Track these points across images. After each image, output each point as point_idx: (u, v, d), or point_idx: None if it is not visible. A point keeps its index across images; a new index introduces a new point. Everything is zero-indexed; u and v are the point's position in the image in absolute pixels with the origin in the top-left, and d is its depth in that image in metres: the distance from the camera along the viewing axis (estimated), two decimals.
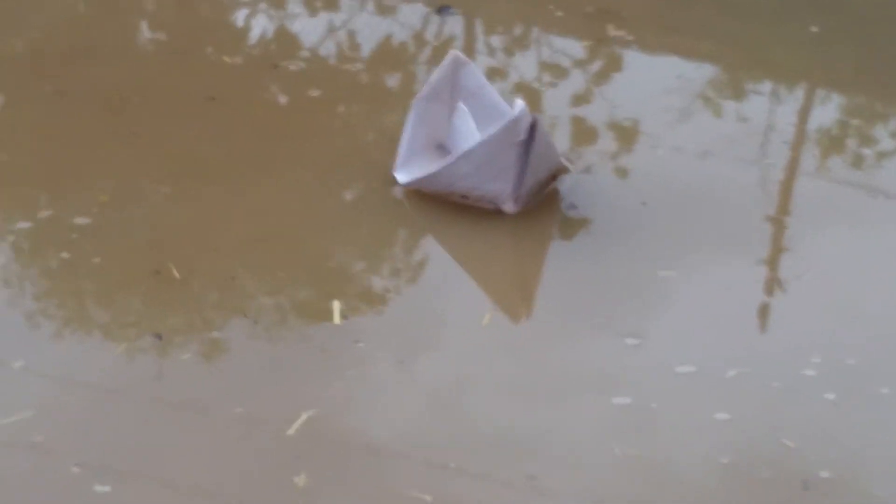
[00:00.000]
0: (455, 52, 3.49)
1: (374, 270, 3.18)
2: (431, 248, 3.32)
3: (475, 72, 3.48)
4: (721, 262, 3.17)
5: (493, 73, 3.98)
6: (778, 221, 3.37)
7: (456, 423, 2.70)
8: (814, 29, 4.16)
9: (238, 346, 2.88)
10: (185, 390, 2.75)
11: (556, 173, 3.39)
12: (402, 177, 3.40)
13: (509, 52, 4.13)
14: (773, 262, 3.23)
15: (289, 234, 3.24)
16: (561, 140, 3.62)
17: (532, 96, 3.86)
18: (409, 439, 2.65)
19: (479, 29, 4.27)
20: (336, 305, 3.02)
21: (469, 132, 3.33)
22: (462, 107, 3.38)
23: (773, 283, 3.16)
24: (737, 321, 3.00)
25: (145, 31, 4.17)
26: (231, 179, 3.39)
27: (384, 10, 4.32)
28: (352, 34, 4.17)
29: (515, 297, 3.15)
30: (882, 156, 3.65)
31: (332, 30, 4.18)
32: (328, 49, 4.08)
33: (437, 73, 3.46)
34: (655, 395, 2.76)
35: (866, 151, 3.67)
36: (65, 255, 3.11)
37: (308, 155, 3.54)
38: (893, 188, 3.49)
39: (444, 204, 3.34)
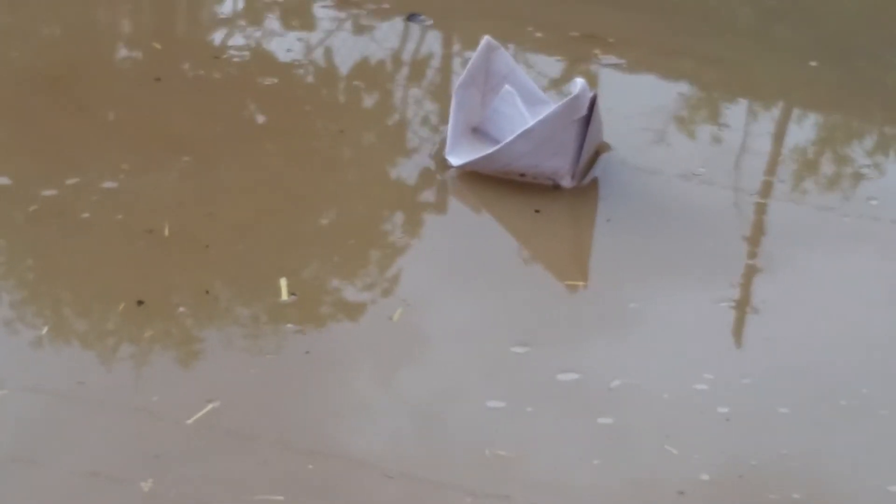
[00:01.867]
0: (487, 38, 3.62)
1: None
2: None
3: (505, 56, 3.63)
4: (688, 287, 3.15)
5: None
6: (752, 241, 3.35)
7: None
8: (793, 51, 4.15)
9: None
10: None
11: (600, 150, 3.54)
12: (455, 160, 3.49)
13: None
14: (745, 284, 3.21)
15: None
16: None
17: None
18: None
19: (456, 47, 4.25)
20: (283, 282, 3.01)
21: (518, 113, 3.48)
22: (509, 88, 3.53)
23: (739, 303, 3.13)
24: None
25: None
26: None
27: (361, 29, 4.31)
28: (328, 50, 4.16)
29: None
30: (857, 177, 3.63)
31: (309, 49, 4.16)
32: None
33: (472, 60, 3.59)
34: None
35: (844, 171, 3.66)
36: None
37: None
38: (867, 209, 3.48)
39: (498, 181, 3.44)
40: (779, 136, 3.79)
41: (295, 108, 3.80)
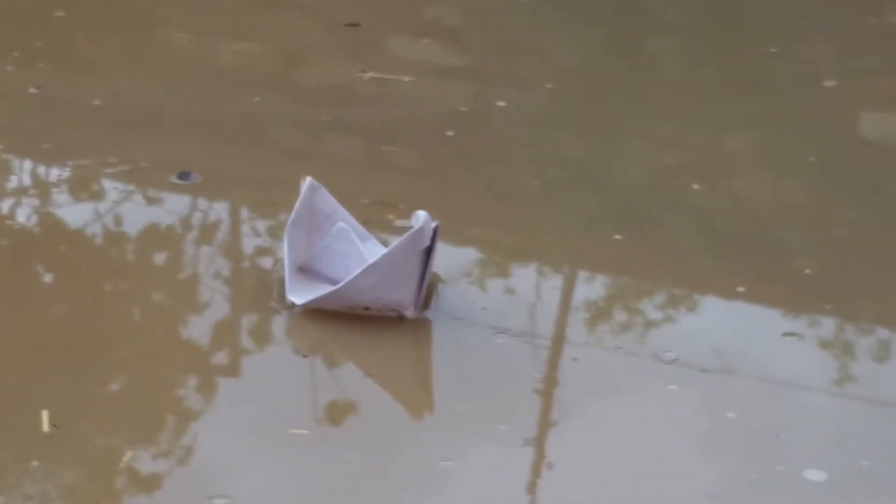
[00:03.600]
0: (309, 178, 3.69)
1: None
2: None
3: (327, 196, 3.70)
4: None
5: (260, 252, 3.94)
6: (546, 393, 3.38)
7: None
8: (579, 218, 4.23)
9: None
10: None
11: (433, 280, 3.65)
12: (297, 299, 3.53)
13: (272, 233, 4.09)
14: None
15: None
16: None
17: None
18: None
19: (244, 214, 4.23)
20: (45, 414, 3.02)
21: (354, 249, 3.56)
22: (343, 226, 3.61)
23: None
24: None
25: None
26: None
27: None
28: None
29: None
30: (649, 325, 3.70)
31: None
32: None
33: (299, 200, 3.65)
34: None
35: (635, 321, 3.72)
36: None
37: None
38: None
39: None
40: (567, 294, 3.84)
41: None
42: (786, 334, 3.68)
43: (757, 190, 4.41)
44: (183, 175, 4.30)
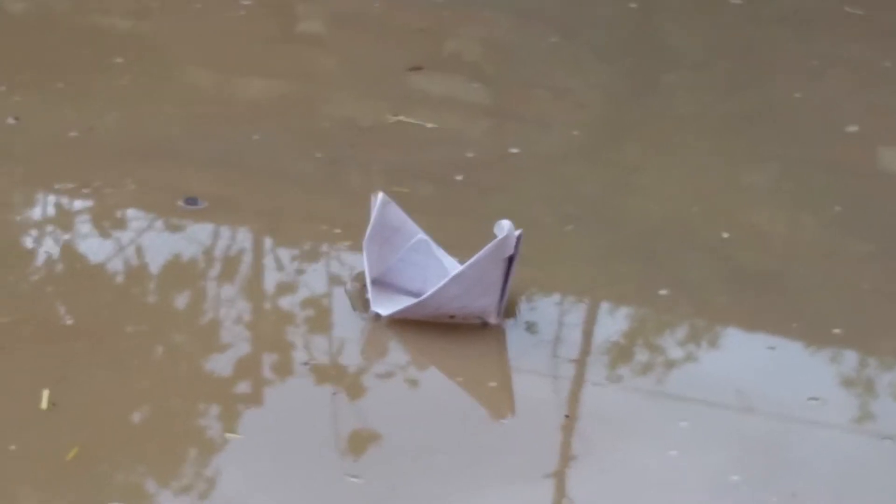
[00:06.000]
0: (381, 193, 3.81)
1: None
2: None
3: (397, 209, 3.82)
4: None
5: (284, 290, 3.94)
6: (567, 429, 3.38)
7: None
8: (595, 252, 4.23)
9: None
10: None
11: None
12: (383, 310, 3.68)
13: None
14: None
15: None
16: None
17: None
18: None
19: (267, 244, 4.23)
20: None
21: (434, 260, 3.73)
22: (423, 237, 3.77)
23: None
24: None
25: None
26: None
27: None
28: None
29: None
30: (669, 364, 3.70)
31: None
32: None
33: (373, 215, 3.79)
34: None
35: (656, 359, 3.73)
36: None
37: None
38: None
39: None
40: (588, 328, 3.85)
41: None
42: (803, 372, 3.69)
43: (774, 225, 4.42)
44: (189, 200, 4.31)
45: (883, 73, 5.42)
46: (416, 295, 3.72)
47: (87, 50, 5.29)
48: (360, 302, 3.80)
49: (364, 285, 3.80)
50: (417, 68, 5.23)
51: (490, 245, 3.57)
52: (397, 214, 3.85)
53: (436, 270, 3.72)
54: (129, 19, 5.57)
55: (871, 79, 5.38)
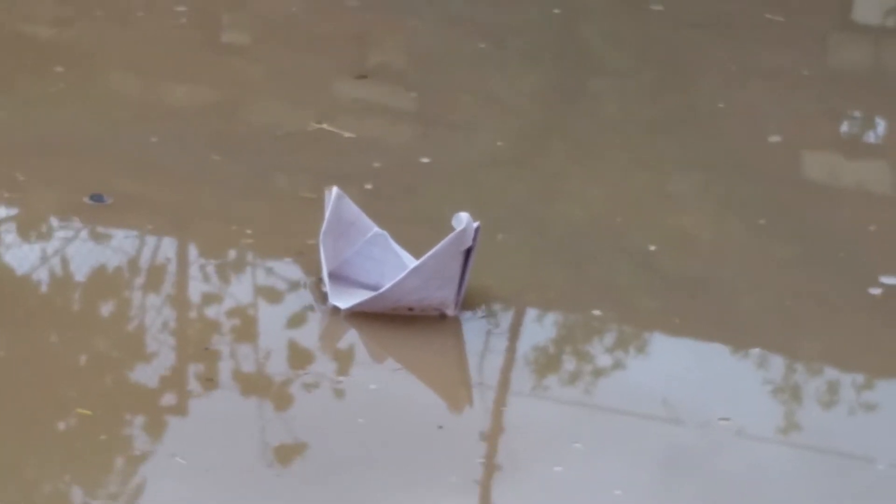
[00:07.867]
0: (335, 188, 3.82)
1: None
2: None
3: (351, 204, 3.84)
4: None
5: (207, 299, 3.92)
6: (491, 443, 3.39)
7: None
8: (521, 258, 4.24)
9: None
10: None
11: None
12: (342, 304, 3.69)
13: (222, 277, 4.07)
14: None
15: None
16: None
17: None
18: None
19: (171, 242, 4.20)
20: None
21: (392, 253, 3.75)
22: (380, 231, 3.78)
23: None
24: None
25: None
26: None
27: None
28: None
29: None
30: (598, 374, 3.72)
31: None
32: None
33: (328, 210, 3.80)
34: None
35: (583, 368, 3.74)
36: None
37: None
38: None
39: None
40: (514, 335, 3.85)
41: None
42: (731, 376, 3.71)
43: (699, 230, 4.45)
44: (95, 197, 4.29)
45: (802, 81, 5.48)
46: (374, 288, 3.75)
47: (19, 56, 5.24)
48: (319, 295, 3.81)
49: (320, 279, 3.81)
50: (362, 76, 5.23)
51: (449, 237, 3.61)
52: (351, 209, 3.87)
53: (394, 264, 3.75)
54: (67, 27, 5.53)
55: (791, 86, 5.43)
